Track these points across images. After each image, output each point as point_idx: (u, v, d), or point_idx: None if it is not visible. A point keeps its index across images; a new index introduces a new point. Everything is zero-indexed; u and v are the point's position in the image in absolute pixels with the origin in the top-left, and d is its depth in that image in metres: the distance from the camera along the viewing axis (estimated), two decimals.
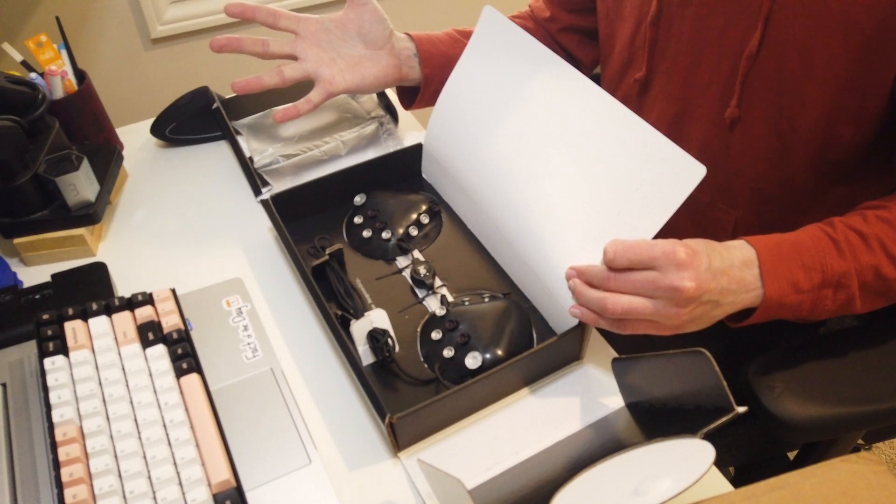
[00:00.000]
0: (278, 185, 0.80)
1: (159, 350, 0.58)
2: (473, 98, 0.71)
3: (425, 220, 0.74)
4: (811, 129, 0.63)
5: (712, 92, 0.67)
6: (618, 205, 0.56)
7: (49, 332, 0.57)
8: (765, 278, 0.53)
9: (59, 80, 0.78)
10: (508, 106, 0.67)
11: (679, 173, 0.52)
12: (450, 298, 0.66)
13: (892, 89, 0.58)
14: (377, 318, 0.61)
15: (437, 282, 0.68)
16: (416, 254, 0.71)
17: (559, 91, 0.62)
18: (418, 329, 0.64)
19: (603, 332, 0.64)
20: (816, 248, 0.55)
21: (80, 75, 0.81)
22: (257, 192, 0.81)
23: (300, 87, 0.93)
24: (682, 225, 0.77)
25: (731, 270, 0.52)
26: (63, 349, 0.57)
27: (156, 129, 0.89)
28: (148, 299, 0.62)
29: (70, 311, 0.59)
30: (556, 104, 0.62)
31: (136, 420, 0.53)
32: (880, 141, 0.63)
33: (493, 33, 0.69)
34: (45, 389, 0.54)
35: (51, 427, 0.51)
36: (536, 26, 0.88)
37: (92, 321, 0.59)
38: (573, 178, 0.60)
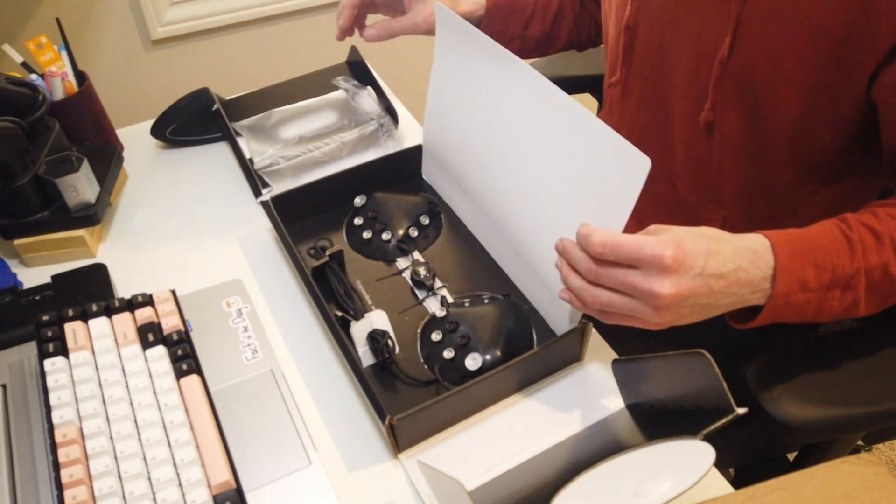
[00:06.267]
0: (278, 187, 0.80)
1: (159, 351, 0.58)
2: (454, 99, 0.70)
3: (425, 221, 0.74)
4: (786, 132, 0.63)
5: (689, 96, 0.68)
6: (583, 204, 0.55)
7: (49, 334, 0.57)
8: (777, 275, 0.52)
9: (59, 81, 0.79)
10: (481, 107, 0.66)
11: (627, 167, 0.50)
12: (450, 300, 0.66)
13: (866, 94, 0.58)
14: (377, 319, 0.61)
15: (437, 283, 0.68)
16: (416, 255, 0.71)
17: (516, 90, 0.61)
18: (418, 330, 0.64)
19: (603, 333, 0.64)
20: (831, 248, 0.54)
21: (81, 77, 0.82)
22: (257, 194, 0.81)
23: (302, 89, 0.94)
24: (671, 222, 0.77)
25: (733, 274, 0.51)
26: (63, 350, 0.57)
27: (156, 131, 0.89)
28: (148, 300, 0.62)
29: (70, 313, 0.59)
30: (516, 105, 0.61)
31: (135, 421, 0.53)
32: (861, 144, 0.63)
33: (451, 31, 0.68)
34: (45, 391, 0.54)
35: (51, 428, 0.51)
36: None
37: (92, 322, 0.59)
38: (544, 180, 0.59)
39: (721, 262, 0.51)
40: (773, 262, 0.52)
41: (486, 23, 0.85)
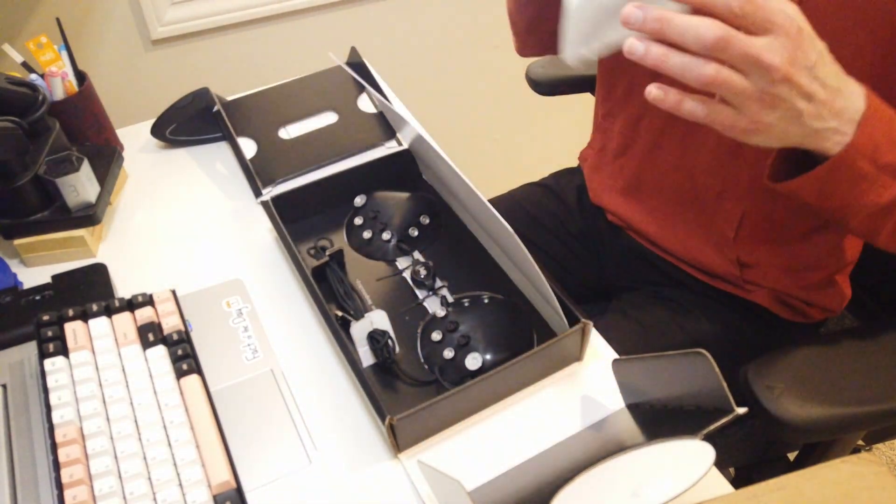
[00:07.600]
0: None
1: (159, 351, 0.58)
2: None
3: (425, 220, 0.74)
4: None
5: None
6: None
7: (49, 334, 0.57)
8: (860, 126, 0.50)
9: (59, 81, 0.79)
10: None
11: None
12: (450, 299, 0.66)
13: None
14: (377, 319, 0.61)
15: (438, 283, 0.68)
16: (417, 255, 0.71)
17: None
18: (418, 330, 0.64)
19: (603, 333, 0.64)
20: None
21: (81, 76, 0.82)
22: (257, 194, 0.81)
23: (302, 90, 0.93)
24: (685, 214, 0.76)
25: (834, 92, 0.49)
26: (63, 350, 0.57)
27: (156, 131, 0.89)
28: (148, 300, 0.62)
29: (70, 313, 0.59)
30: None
31: (136, 421, 0.53)
32: None
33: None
34: (46, 391, 0.54)
35: (51, 428, 0.51)
36: None
37: (92, 322, 0.59)
38: None
39: (829, 73, 0.49)
40: (863, 110, 0.51)
41: None
